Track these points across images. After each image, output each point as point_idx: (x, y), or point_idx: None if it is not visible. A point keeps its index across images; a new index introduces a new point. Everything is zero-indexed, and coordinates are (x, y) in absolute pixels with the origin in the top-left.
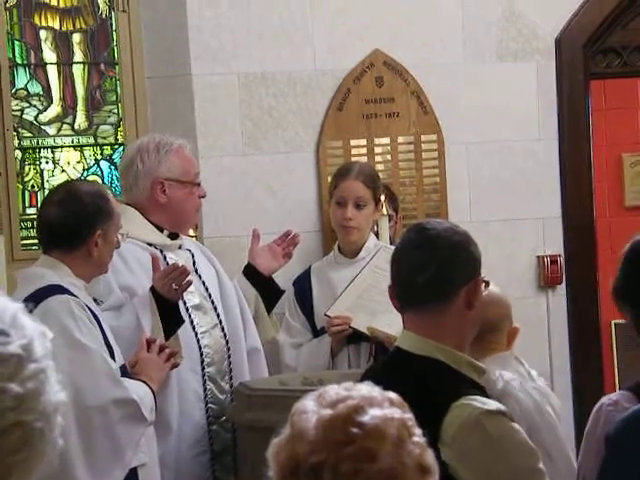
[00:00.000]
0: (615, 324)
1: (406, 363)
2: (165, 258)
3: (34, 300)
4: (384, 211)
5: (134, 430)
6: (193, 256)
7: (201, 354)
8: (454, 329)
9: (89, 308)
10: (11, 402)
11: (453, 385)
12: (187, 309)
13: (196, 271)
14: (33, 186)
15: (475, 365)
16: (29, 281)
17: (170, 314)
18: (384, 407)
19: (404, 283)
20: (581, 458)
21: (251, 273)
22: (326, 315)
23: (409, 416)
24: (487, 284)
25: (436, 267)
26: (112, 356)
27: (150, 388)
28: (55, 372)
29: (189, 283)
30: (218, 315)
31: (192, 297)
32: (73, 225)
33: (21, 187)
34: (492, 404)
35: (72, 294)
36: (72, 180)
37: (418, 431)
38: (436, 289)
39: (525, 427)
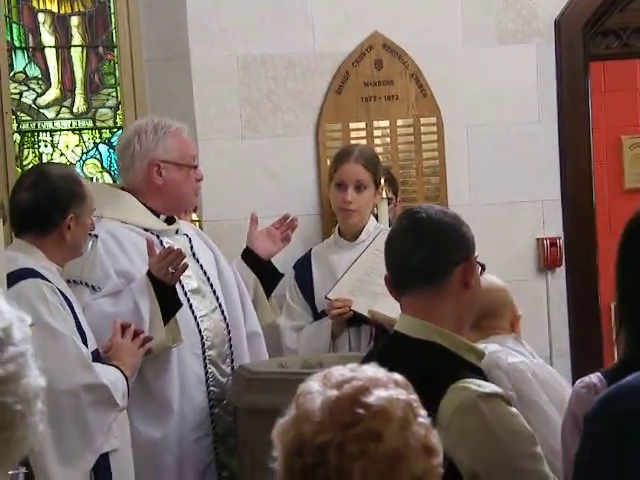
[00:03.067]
0: (615, 306)
1: (403, 346)
2: (162, 243)
3: (6, 284)
4: (383, 194)
5: (105, 415)
6: (190, 240)
7: (201, 337)
8: (450, 310)
9: (62, 292)
10: None
11: (450, 368)
12: (185, 293)
13: (194, 255)
14: None
15: (473, 348)
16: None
17: (168, 298)
18: (389, 388)
19: (398, 267)
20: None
21: (250, 257)
22: (327, 298)
23: (414, 397)
24: (483, 268)
25: (427, 248)
26: (84, 341)
27: (123, 373)
28: (34, 358)
29: (185, 266)
30: (217, 299)
31: (190, 281)
32: (45, 209)
33: (20, 171)
34: (489, 387)
35: (44, 278)
36: (44, 163)
37: (423, 412)
38: (429, 270)
39: (517, 396)
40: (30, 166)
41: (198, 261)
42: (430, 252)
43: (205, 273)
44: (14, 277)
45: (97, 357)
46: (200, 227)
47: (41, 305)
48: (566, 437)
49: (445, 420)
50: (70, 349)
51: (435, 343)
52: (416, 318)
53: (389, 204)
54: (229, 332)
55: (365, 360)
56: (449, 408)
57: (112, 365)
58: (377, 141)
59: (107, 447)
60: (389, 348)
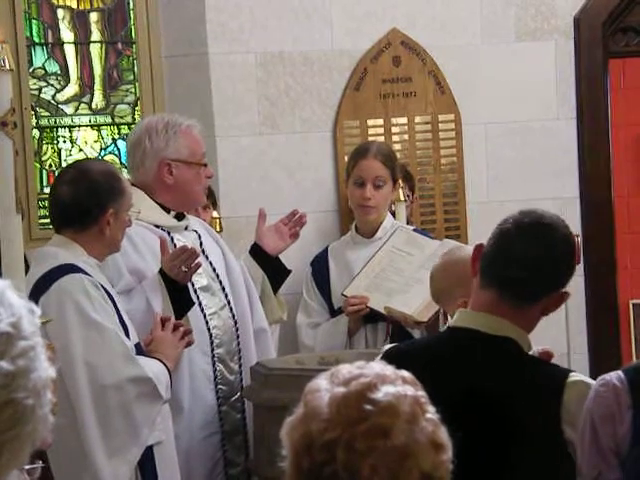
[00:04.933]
0: (633, 304)
1: (485, 343)
2: (172, 240)
3: (48, 279)
4: (401, 197)
5: (150, 408)
6: (200, 237)
7: (210, 335)
8: (524, 326)
9: (103, 287)
10: (2, 380)
11: (550, 364)
12: (195, 291)
13: (203, 252)
14: (51, 165)
15: (529, 342)
16: (43, 260)
17: (179, 296)
18: (397, 384)
19: (498, 268)
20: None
21: (258, 253)
22: (343, 295)
23: (422, 393)
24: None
25: (528, 271)
26: (127, 335)
27: (165, 366)
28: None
29: (198, 265)
30: (226, 296)
31: (200, 278)
32: (85, 204)
33: (39, 166)
34: (586, 377)
35: (86, 273)
36: (84, 159)
37: (431, 408)
38: (525, 292)
39: None
40: (49, 162)
41: (208, 258)
42: (537, 275)
43: (214, 270)
44: (56, 273)
45: (139, 350)
46: (220, 224)
47: (84, 300)
48: (584, 435)
49: (570, 414)
50: (114, 342)
51: (512, 339)
52: (493, 315)
53: (405, 201)
54: (237, 329)
55: (420, 355)
56: (573, 403)
57: (154, 358)
58: (395, 138)
59: (151, 440)
60: (466, 345)
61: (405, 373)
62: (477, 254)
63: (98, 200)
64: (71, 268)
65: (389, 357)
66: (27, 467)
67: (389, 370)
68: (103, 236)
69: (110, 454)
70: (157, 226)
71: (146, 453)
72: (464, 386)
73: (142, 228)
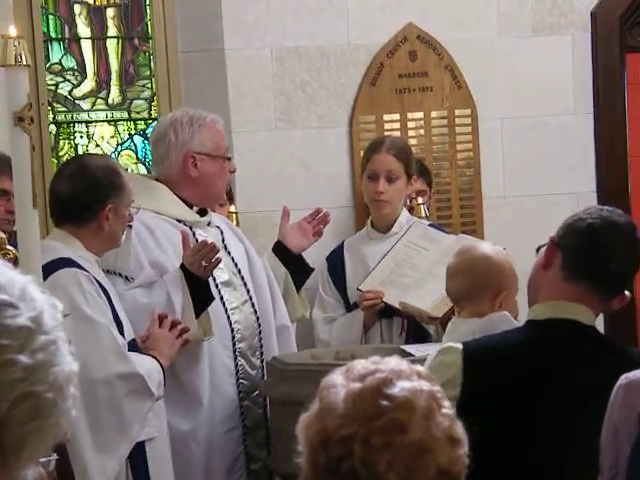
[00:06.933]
0: None
1: (590, 333)
2: (194, 235)
3: (44, 272)
4: (422, 213)
5: (140, 405)
6: (222, 233)
7: (232, 330)
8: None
9: (99, 282)
10: (21, 373)
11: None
12: (216, 285)
13: (225, 247)
14: None
15: None
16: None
17: (200, 291)
18: (413, 380)
19: (599, 260)
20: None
21: (281, 251)
22: (359, 289)
23: (438, 388)
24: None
25: (624, 268)
26: (121, 331)
27: (160, 363)
28: (66, 343)
29: (218, 260)
30: (248, 291)
31: (221, 273)
32: (84, 199)
33: (56, 162)
34: None
35: (82, 268)
36: (84, 154)
37: (447, 403)
38: (620, 282)
39: None
40: (66, 157)
41: (230, 253)
42: (628, 272)
43: (236, 265)
44: (52, 266)
45: (134, 347)
46: (237, 219)
47: (77, 294)
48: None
49: None
50: (105, 338)
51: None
52: (585, 305)
53: (423, 196)
54: (259, 325)
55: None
56: None
57: (148, 355)
58: (411, 133)
59: (143, 436)
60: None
61: (420, 368)
62: (553, 247)
63: (97, 195)
64: (67, 262)
65: (474, 358)
66: (42, 460)
67: (404, 365)
68: (102, 231)
69: (98, 449)
70: (179, 221)
71: (137, 449)
72: (576, 373)
73: (164, 222)
